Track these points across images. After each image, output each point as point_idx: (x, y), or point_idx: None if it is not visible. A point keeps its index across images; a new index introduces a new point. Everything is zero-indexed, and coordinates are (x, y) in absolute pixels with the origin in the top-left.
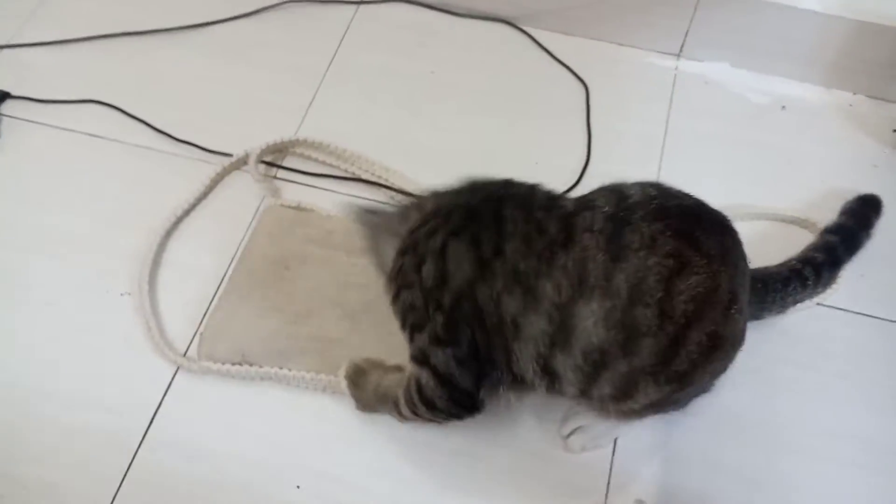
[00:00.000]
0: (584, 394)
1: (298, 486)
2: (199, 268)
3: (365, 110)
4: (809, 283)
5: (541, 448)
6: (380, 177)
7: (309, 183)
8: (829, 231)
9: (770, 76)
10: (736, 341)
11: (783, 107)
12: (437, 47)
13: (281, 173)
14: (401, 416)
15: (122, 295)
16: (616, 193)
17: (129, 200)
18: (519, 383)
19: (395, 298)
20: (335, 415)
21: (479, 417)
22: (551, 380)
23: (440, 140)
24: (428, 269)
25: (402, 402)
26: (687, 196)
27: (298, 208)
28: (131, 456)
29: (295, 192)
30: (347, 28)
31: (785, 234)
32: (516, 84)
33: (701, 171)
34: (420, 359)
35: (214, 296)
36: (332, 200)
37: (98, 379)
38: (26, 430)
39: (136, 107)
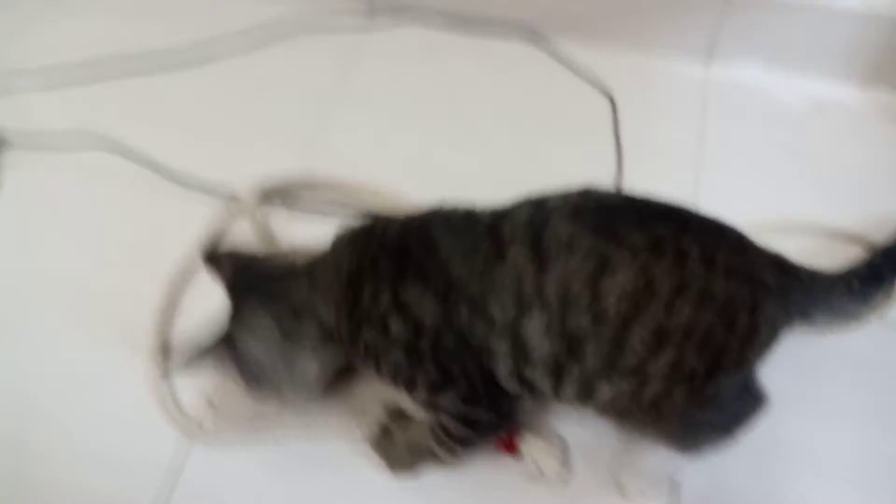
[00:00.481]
0: (559, 397)
1: None
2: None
3: (381, 137)
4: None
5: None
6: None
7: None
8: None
9: (805, 78)
10: (700, 330)
11: (821, 110)
12: (453, 69)
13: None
14: (443, 461)
15: (132, 348)
16: (534, 202)
17: (137, 245)
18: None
19: (379, 369)
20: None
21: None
22: (531, 388)
23: (460, 164)
24: (396, 328)
25: (438, 450)
26: (617, 195)
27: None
28: None
29: (307, 229)
30: (358, 54)
31: (830, 249)
32: (538, 102)
33: (740, 183)
34: (431, 407)
35: None
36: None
37: (107, 441)
38: (28, 490)
39: (140, 143)
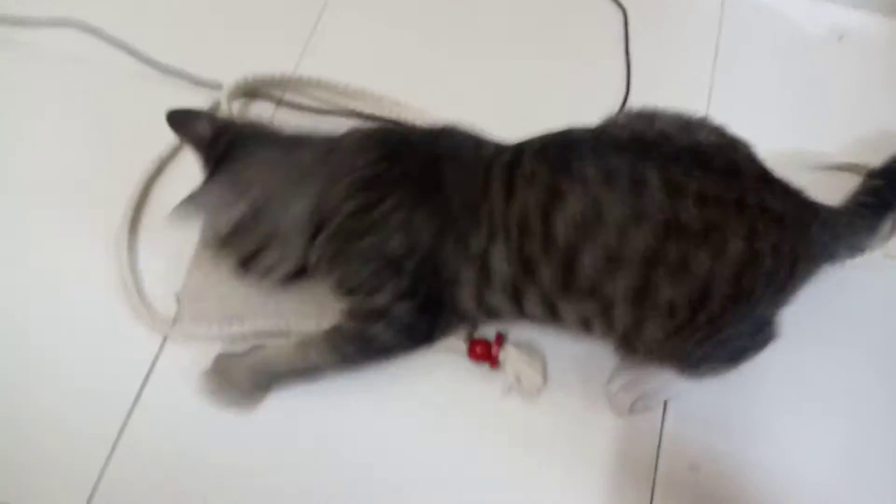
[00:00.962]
0: (526, 316)
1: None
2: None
3: (377, 37)
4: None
5: (585, 413)
6: (390, 113)
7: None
8: (874, 175)
9: (826, 2)
10: (668, 258)
11: (840, 37)
12: None
13: (280, 110)
14: (304, 374)
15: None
16: (516, 144)
17: (110, 138)
18: (461, 318)
19: (335, 272)
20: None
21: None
22: (488, 312)
23: (460, 71)
24: (396, 244)
25: (319, 355)
26: (590, 131)
27: None
28: (121, 423)
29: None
30: None
31: (840, 183)
32: (545, 8)
33: (752, 109)
34: (376, 314)
35: None
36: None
37: (78, 340)
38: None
39: (118, 27)
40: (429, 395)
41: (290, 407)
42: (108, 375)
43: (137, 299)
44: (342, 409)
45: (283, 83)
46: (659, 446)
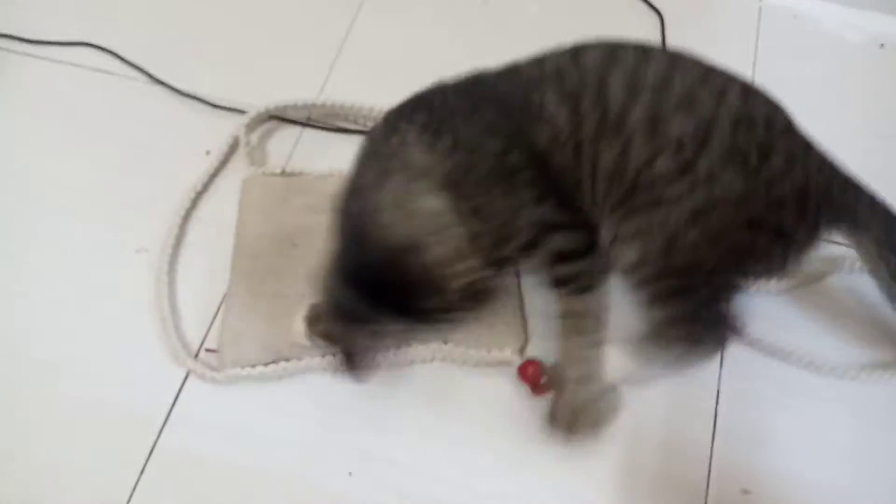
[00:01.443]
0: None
1: (350, 473)
2: (214, 257)
3: (410, 41)
4: None
5: (635, 434)
6: None
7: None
8: None
9: (866, 10)
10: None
11: (882, 45)
12: None
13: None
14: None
15: (137, 252)
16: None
17: (136, 155)
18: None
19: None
20: (383, 391)
21: None
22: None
23: None
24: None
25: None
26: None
27: (284, 174)
28: (155, 437)
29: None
30: None
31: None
32: (581, 13)
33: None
34: (546, 226)
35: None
36: (326, 157)
37: (112, 356)
38: (34, 405)
39: (135, 49)
40: (471, 415)
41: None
42: (140, 397)
43: (179, 346)
44: (382, 431)
45: (307, 108)
46: (709, 470)
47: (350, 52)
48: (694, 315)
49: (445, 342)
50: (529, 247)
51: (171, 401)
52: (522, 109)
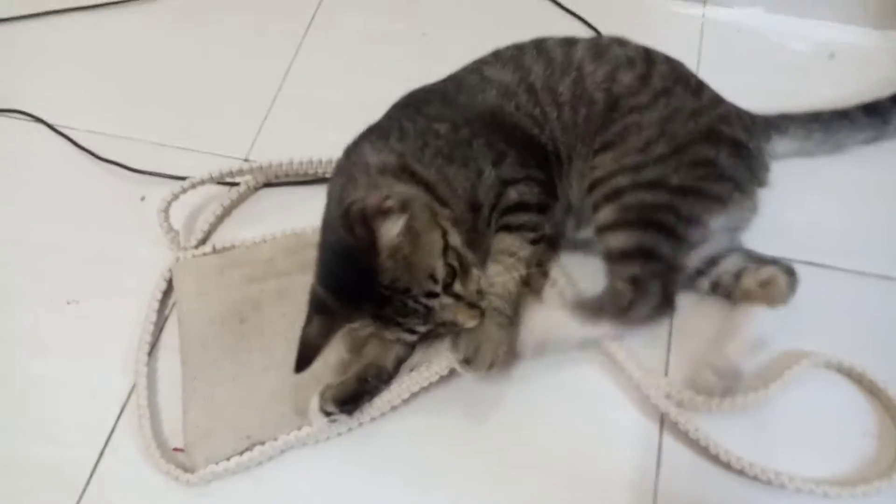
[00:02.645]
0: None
1: None
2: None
3: (348, 79)
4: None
5: (572, 473)
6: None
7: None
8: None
9: (811, 20)
10: None
11: (831, 55)
12: (429, 4)
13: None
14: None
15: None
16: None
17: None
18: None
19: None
20: (366, 450)
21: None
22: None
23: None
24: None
25: (513, 254)
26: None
27: (216, 251)
28: None
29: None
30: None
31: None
32: (519, 37)
33: None
34: (504, 183)
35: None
36: (256, 224)
37: None
38: None
39: (65, 112)
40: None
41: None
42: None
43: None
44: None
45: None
46: None
47: (287, 97)
48: (654, 269)
49: (411, 369)
50: (494, 207)
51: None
52: (461, 90)
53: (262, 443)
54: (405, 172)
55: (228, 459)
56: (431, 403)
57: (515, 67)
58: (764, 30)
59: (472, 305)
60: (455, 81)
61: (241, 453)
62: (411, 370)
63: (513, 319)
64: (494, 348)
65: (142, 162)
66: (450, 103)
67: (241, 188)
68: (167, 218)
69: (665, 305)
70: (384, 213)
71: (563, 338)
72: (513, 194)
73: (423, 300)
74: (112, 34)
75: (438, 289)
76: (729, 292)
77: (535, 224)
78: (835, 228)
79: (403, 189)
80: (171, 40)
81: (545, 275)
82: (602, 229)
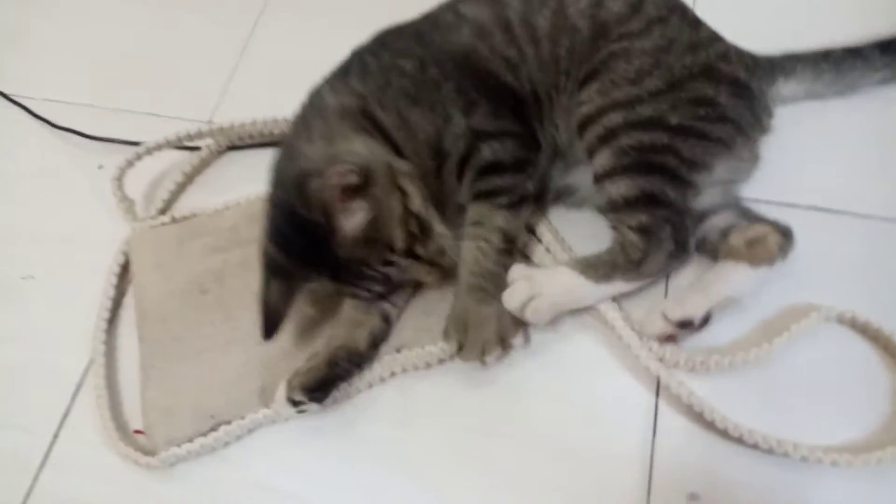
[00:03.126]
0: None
1: None
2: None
3: (317, 34)
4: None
5: (567, 446)
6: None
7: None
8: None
9: None
10: None
11: None
12: None
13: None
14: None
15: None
16: None
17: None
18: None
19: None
20: (341, 426)
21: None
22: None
23: None
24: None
25: (494, 229)
26: None
27: (175, 221)
28: None
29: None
30: None
31: None
32: None
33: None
34: (476, 136)
35: None
36: (221, 190)
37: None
38: None
39: (21, 81)
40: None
41: None
42: None
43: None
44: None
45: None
46: (650, 478)
47: (253, 56)
48: (663, 216)
49: (398, 350)
50: (465, 161)
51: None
52: (434, 28)
53: (228, 422)
54: (364, 117)
55: (191, 441)
56: (412, 378)
57: (492, 2)
58: None
59: (433, 263)
60: (430, 19)
61: (206, 434)
62: (398, 350)
63: (494, 293)
64: (483, 330)
65: (101, 129)
66: (420, 40)
67: (203, 153)
68: (121, 187)
69: (680, 252)
70: (345, 198)
71: (577, 301)
72: (486, 152)
73: (381, 268)
74: (68, 5)
75: (395, 258)
76: (715, 249)
77: (512, 186)
78: (841, 172)
79: (361, 149)
80: (131, 4)
81: (531, 234)
82: (601, 177)
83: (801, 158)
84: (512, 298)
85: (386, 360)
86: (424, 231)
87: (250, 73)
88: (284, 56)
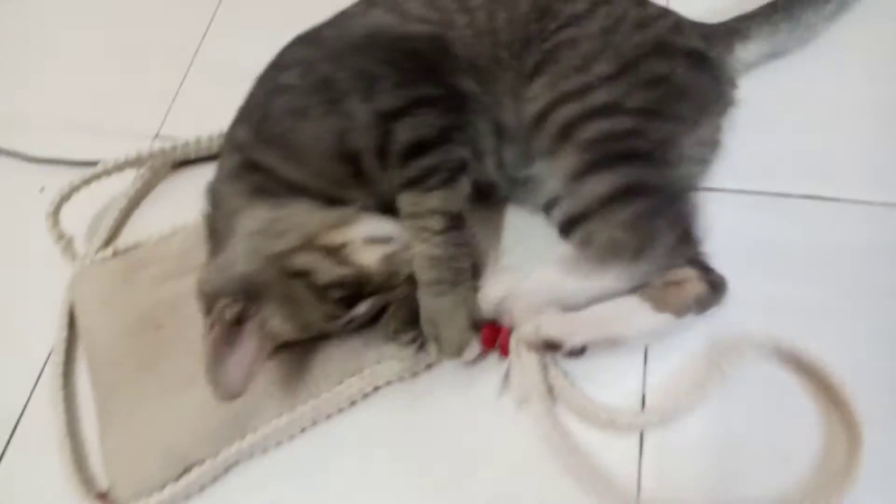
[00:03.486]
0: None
1: None
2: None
3: (269, 38)
4: None
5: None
6: None
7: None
8: None
9: None
10: None
11: None
12: None
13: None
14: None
15: None
16: None
17: None
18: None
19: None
20: (328, 441)
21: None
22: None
23: None
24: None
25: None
26: None
27: (117, 254)
28: None
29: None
30: None
31: None
32: None
33: None
34: (385, 118)
35: None
36: (169, 212)
37: None
38: None
39: None
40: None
41: None
42: None
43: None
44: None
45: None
46: (638, 493)
47: (203, 64)
48: (650, 206)
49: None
50: (383, 150)
51: None
52: (332, 25)
53: (201, 461)
54: (249, 169)
55: (162, 489)
56: (385, 399)
57: None
58: None
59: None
60: (333, 18)
61: (177, 479)
62: (378, 362)
63: (454, 279)
64: (452, 323)
65: (42, 149)
66: (311, 41)
67: (145, 175)
68: (56, 224)
69: (684, 241)
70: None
71: (562, 299)
72: (402, 134)
73: (339, 326)
74: (8, 16)
75: (337, 325)
76: None
77: (441, 162)
78: (811, 150)
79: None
80: (74, 17)
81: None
82: (569, 181)
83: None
84: (488, 298)
85: (367, 374)
86: (357, 282)
87: (201, 79)
88: (238, 58)
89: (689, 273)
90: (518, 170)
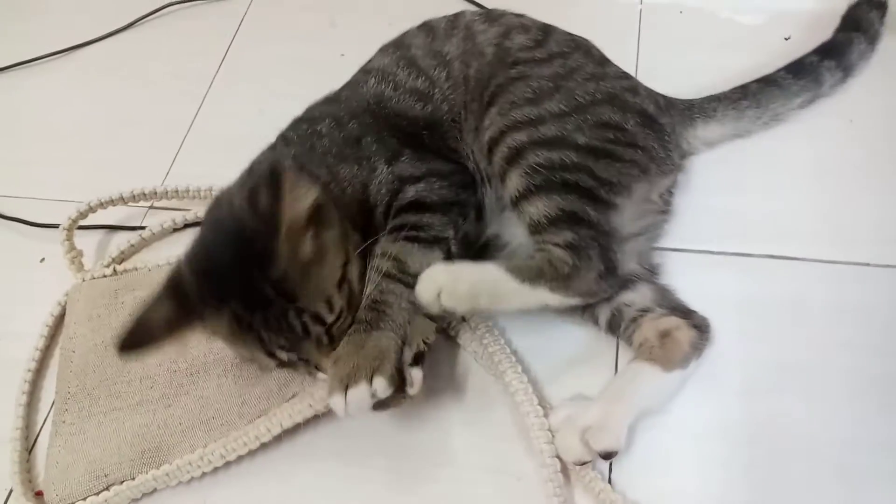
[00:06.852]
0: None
1: None
2: None
3: (262, 109)
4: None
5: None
6: None
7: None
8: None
9: None
10: None
11: (787, 38)
12: (349, 26)
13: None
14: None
15: None
16: None
17: None
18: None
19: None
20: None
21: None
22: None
23: None
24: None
25: (401, 270)
26: None
27: (115, 274)
28: None
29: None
30: (241, 21)
31: None
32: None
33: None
34: (402, 180)
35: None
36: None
37: None
38: None
39: None
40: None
41: None
42: None
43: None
44: None
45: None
46: None
47: (199, 134)
48: (588, 235)
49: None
50: (390, 205)
51: None
52: (347, 87)
53: (121, 482)
54: (302, 172)
55: (84, 500)
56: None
57: (395, 48)
58: (710, 6)
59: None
60: (345, 84)
61: (97, 493)
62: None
63: (374, 323)
64: (346, 362)
65: (43, 218)
66: (333, 101)
67: (146, 234)
68: (70, 237)
69: (609, 274)
70: (310, 216)
71: (498, 297)
72: (409, 193)
73: (308, 321)
74: (10, 95)
75: (330, 318)
76: (627, 334)
77: (429, 224)
78: (773, 212)
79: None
80: (74, 98)
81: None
82: (516, 201)
83: (725, 200)
84: (426, 286)
85: (273, 414)
86: (350, 306)
87: (197, 148)
88: (235, 128)
89: (675, 321)
90: (494, 210)
